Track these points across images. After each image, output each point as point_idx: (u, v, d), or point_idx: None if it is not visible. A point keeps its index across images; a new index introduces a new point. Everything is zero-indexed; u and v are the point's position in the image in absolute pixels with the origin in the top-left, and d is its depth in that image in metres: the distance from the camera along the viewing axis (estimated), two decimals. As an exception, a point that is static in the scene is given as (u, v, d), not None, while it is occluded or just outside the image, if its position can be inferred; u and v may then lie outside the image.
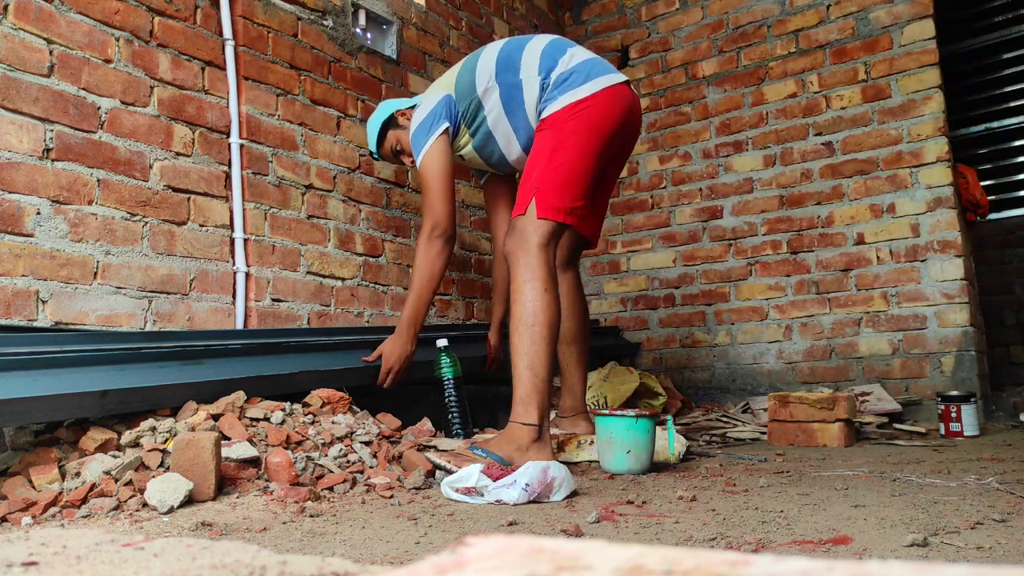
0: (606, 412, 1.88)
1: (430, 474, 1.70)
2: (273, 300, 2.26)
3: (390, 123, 2.25)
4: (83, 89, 1.86)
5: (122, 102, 1.95)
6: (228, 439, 1.55)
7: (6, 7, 1.73)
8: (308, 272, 2.38)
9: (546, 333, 1.80)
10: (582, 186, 1.93)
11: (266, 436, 1.62)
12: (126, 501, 1.32)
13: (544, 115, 1.99)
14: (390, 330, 2.63)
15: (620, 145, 2.10)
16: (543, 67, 2.01)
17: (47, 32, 1.80)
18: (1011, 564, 0.82)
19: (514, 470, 1.49)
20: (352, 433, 1.77)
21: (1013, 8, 4.00)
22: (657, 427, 1.95)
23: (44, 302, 1.74)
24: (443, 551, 0.41)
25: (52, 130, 1.79)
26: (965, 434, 2.49)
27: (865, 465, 1.89)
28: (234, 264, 2.18)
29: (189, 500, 1.33)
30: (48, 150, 1.78)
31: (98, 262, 1.86)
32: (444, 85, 2.14)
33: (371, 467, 1.67)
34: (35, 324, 1.72)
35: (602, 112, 1.95)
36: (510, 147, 2.13)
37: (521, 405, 1.78)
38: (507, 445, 1.75)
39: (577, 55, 2.03)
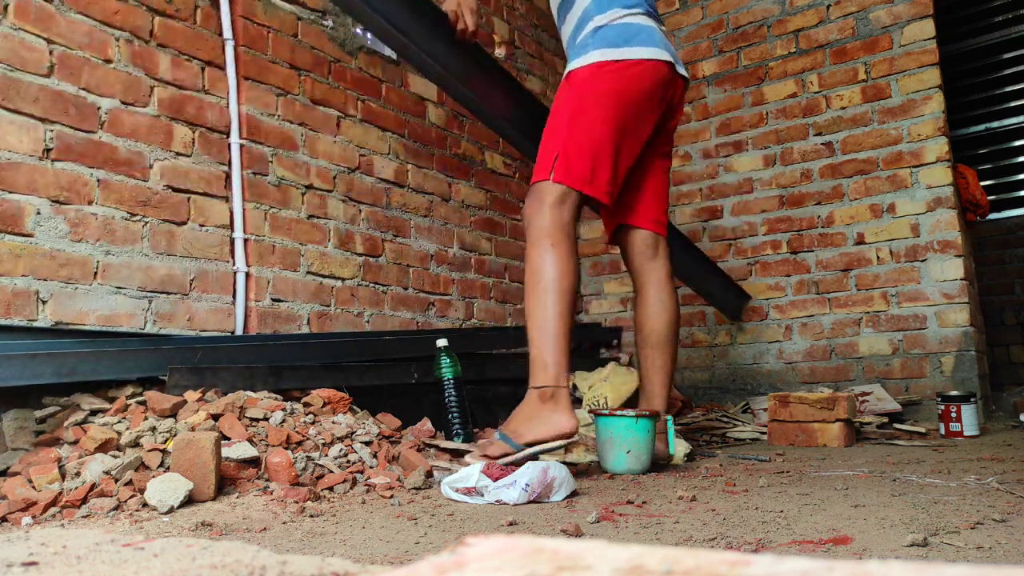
0: (606, 412, 1.88)
1: (430, 474, 1.70)
2: (273, 300, 2.26)
3: None
4: (83, 89, 1.86)
5: (122, 102, 1.95)
6: (228, 439, 1.55)
7: (6, 7, 1.73)
8: (308, 272, 2.38)
9: (552, 288, 1.72)
10: (606, 159, 1.82)
11: (266, 436, 1.62)
12: (126, 501, 1.32)
13: (571, 64, 1.89)
14: (391, 332, 2.63)
15: (653, 125, 1.96)
16: None
17: (47, 32, 1.80)
18: (1011, 564, 0.82)
19: (514, 467, 1.48)
20: (352, 433, 1.76)
21: (1013, 8, 4.01)
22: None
23: (44, 302, 1.74)
24: (443, 551, 0.41)
25: (52, 130, 1.79)
26: (965, 434, 2.49)
27: (865, 465, 1.89)
28: (234, 264, 2.18)
29: (189, 500, 1.33)
30: (48, 150, 1.78)
31: (98, 262, 1.86)
32: None
33: (371, 467, 1.67)
34: (35, 324, 1.72)
35: (630, 84, 1.82)
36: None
37: (533, 367, 1.73)
38: (519, 420, 1.72)
39: (636, 14, 1.90)
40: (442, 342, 2.22)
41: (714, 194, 3.49)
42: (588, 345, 3.49)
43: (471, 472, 1.49)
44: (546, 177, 1.83)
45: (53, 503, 1.31)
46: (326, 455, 1.64)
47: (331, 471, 1.58)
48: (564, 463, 1.73)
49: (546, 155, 1.84)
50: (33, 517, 1.26)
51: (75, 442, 1.50)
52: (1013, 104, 4.09)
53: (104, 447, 1.47)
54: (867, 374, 3.07)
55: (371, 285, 2.62)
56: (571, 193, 1.82)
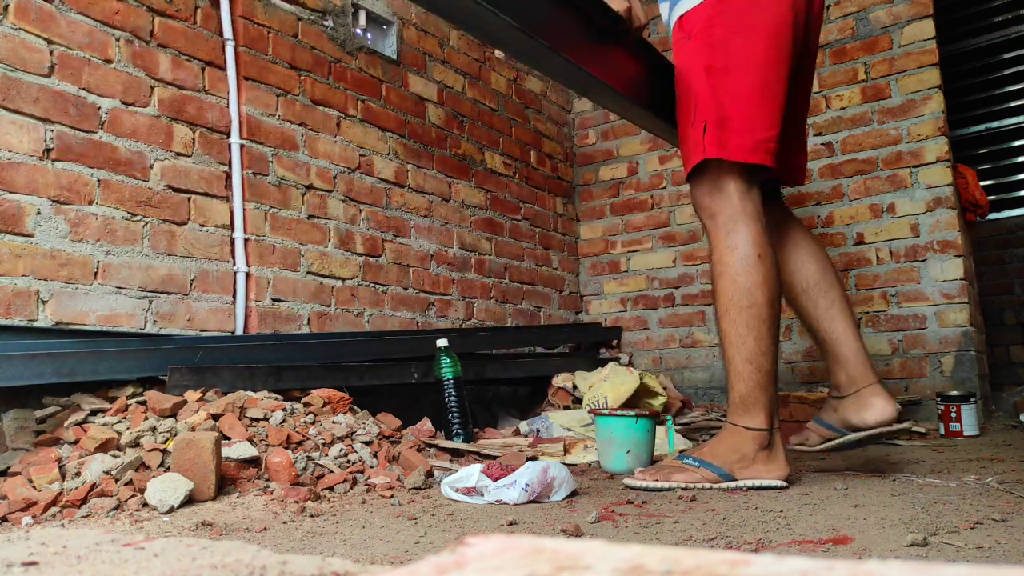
0: (606, 412, 1.88)
1: (430, 474, 1.70)
2: (273, 300, 2.26)
3: None
4: (83, 89, 1.86)
5: (122, 102, 1.95)
6: (228, 439, 1.56)
7: (6, 7, 1.73)
8: (308, 272, 2.38)
9: (766, 315, 1.48)
10: (769, 108, 1.50)
11: (266, 436, 1.62)
12: (126, 501, 1.32)
13: (678, 8, 1.57)
14: (391, 332, 2.64)
15: (801, 43, 1.61)
16: None
17: (47, 32, 1.80)
18: (1011, 564, 0.82)
19: (514, 467, 1.48)
20: (352, 433, 1.77)
21: (1013, 8, 4.01)
22: (657, 427, 1.95)
23: (44, 302, 1.74)
24: (443, 551, 0.41)
25: (52, 130, 1.79)
26: (965, 434, 2.49)
27: (865, 465, 1.89)
28: (234, 264, 2.18)
29: (189, 500, 1.34)
30: (48, 150, 1.79)
31: (98, 262, 1.86)
32: None
33: (371, 467, 1.67)
34: (35, 324, 1.72)
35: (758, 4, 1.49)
36: None
37: (742, 406, 1.51)
38: (727, 453, 1.51)
39: None
40: (442, 342, 2.22)
41: (714, 194, 3.49)
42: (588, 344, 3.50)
43: (471, 472, 1.49)
44: (713, 156, 1.52)
45: (53, 503, 1.31)
46: (326, 455, 1.65)
47: (331, 471, 1.58)
48: (564, 463, 1.73)
49: (695, 129, 1.54)
50: (33, 517, 1.26)
51: (75, 442, 1.50)
52: (1013, 104, 4.08)
53: (104, 447, 1.47)
54: (867, 374, 3.07)
55: (371, 285, 2.62)
56: (749, 169, 1.53)
